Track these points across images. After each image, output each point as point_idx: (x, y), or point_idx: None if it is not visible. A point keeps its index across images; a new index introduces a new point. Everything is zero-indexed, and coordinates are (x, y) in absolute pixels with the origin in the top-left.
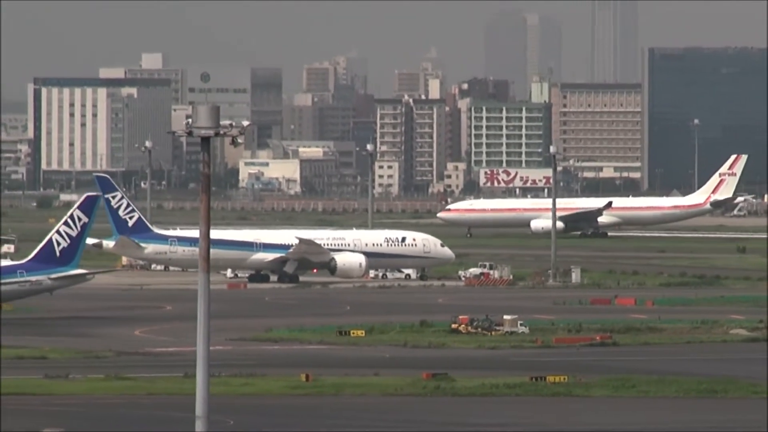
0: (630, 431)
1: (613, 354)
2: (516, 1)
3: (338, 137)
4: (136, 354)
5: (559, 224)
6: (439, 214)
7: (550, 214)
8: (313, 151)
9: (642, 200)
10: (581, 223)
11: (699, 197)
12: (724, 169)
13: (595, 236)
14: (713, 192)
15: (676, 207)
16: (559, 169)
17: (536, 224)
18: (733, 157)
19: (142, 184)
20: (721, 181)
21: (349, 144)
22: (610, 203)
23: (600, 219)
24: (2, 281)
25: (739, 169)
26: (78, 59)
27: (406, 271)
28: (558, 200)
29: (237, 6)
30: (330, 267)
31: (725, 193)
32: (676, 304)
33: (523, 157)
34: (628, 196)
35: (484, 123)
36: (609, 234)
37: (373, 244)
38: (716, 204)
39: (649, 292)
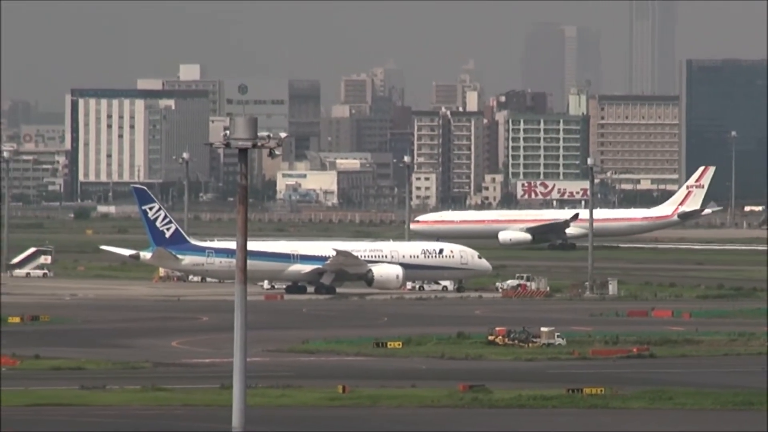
0: None
1: (650, 366)
2: (554, 13)
3: (376, 149)
4: (173, 365)
5: (527, 236)
6: (412, 226)
7: (517, 225)
8: (351, 162)
9: (610, 212)
10: (549, 234)
11: (667, 209)
12: (691, 181)
13: (563, 248)
14: (681, 204)
15: (644, 219)
16: (596, 181)
17: (504, 236)
18: (701, 169)
19: (192, 196)
20: (688, 193)
21: (386, 156)
22: (576, 215)
23: (568, 230)
24: None
25: (706, 181)
26: (116, 70)
27: (443, 282)
28: (526, 212)
29: (275, 18)
30: (367, 278)
31: (693, 204)
32: (713, 317)
33: (561, 170)
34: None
35: (521, 135)
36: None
37: (411, 256)
38: (684, 216)
39: (686, 304)
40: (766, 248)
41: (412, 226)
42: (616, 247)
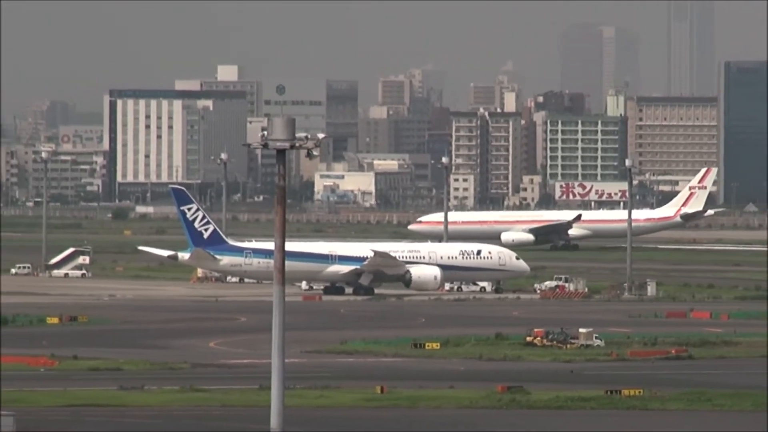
0: None
1: (688, 367)
2: (592, 14)
3: (413, 150)
4: (211, 366)
5: (530, 236)
6: (410, 227)
7: (520, 226)
8: (389, 163)
9: (612, 213)
10: (552, 235)
11: (669, 210)
12: (694, 182)
13: (565, 248)
14: (683, 205)
15: (647, 220)
16: (634, 182)
17: (506, 236)
18: (704, 170)
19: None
20: (691, 194)
21: (424, 157)
22: (579, 216)
23: (570, 231)
24: None
25: (709, 182)
26: (154, 71)
27: (482, 283)
28: (528, 213)
29: (313, 18)
30: (405, 279)
31: (695, 206)
32: (752, 318)
33: (599, 171)
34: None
35: (559, 136)
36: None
37: (449, 257)
38: (686, 217)
39: (724, 305)
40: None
41: (413, 226)
42: (654, 249)
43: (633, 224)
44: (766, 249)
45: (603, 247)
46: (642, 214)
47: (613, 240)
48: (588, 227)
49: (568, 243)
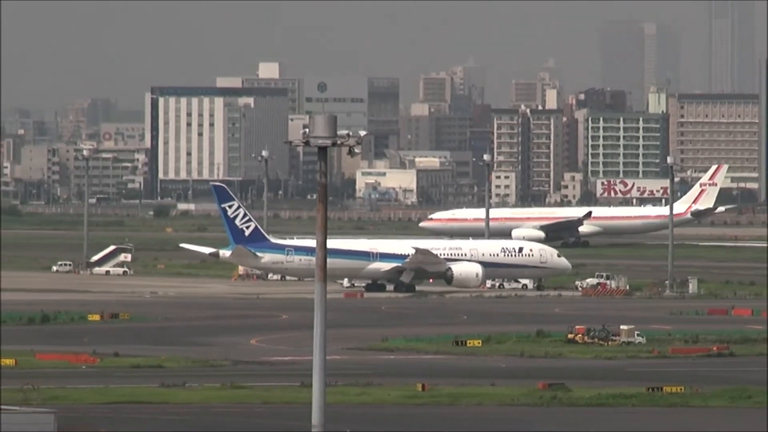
0: None
1: (729, 365)
2: (633, 11)
3: (455, 147)
4: (252, 363)
5: (540, 233)
6: (421, 224)
7: (530, 223)
8: (430, 161)
9: (623, 210)
10: (562, 232)
11: (680, 207)
12: (705, 179)
13: (576, 245)
14: (694, 202)
15: (657, 216)
16: (676, 179)
17: (517, 233)
18: (714, 167)
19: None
20: (701, 191)
21: (465, 154)
22: (589, 213)
23: (581, 228)
24: None
25: (720, 179)
26: (195, 69)
27: (523, 281)
28: (539, 209)
29: (354, 16)
30: (446, 277)
31: (706, 203)
32: None
33: (640, 168)
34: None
35: (601, 133)
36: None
37: (490, 254)
38: (697, 214)
39: (766, 302)
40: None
41: (424, 224)
42: (695, 246)
43: (643, 221)
44: None
45: (613, 244)
46: (653, 211)
47: (624, 237)
48: (599, 224)
49: (579, 240)
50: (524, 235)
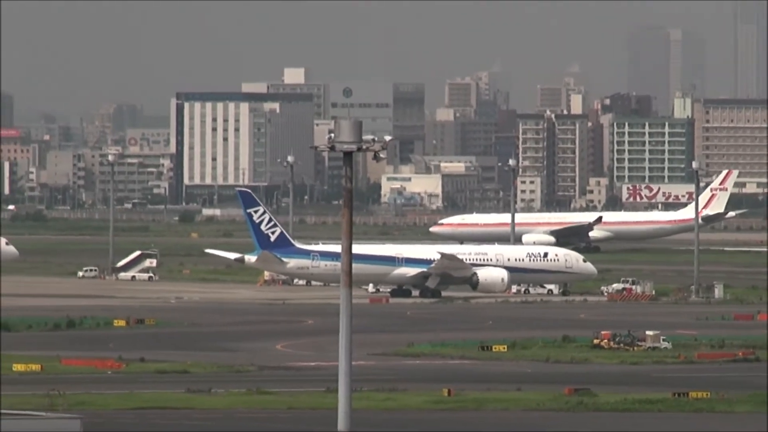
0: None
1: (756, 370)
2: (659, 15)
3: (480, 152)
4: (278, 368)
5: (550, 238)
6: (431, 229)
7: (541, 228)
8: (456, 166)
9: (633, 215)
10: (572, 237)
11: (690, 212)
12: (715, 184)
13: (587, 251)
14: (705, 207)
15: (668, 222)
16: (701, 184)
17: (527, 239)
18: (725, 172)
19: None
20: (712, 196)
21: (491, 159)
22: (600, 218)
23: (592, 233)
24: None
25: (730, 184)
26: (220, 74)
27: (548, 286)
28: (549, 215)
29: (379, 21)
30: (472, 282)
31: (716, 208)
32: None
33: (666, 173)
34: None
35: (626, 138)
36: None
37: (516, 259)
38: (708, 219)
39: None
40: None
41: (434, 228)
42: (721, 251)
43: (653, 226)
44: None
45: (623, 249)
46: (663, 216)
47: (634, 242)
48: (609, 229)
49: (590, 245)
50: (534, 240)
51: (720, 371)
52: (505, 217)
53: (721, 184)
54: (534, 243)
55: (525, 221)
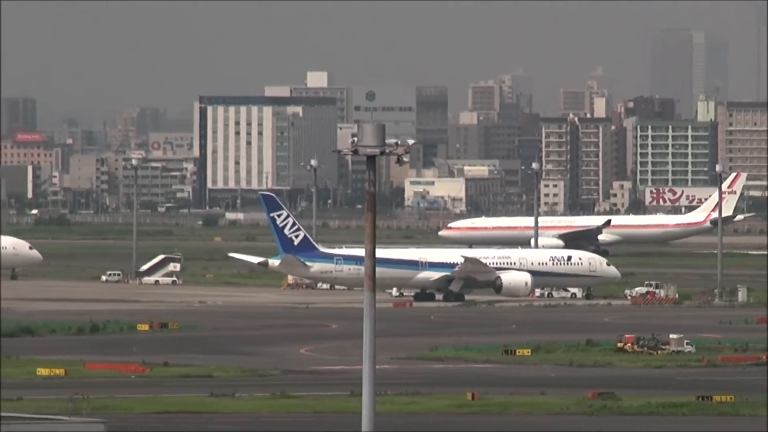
0: None
1: None
2: (682, 18)
3: (504, 156)
4: (302, 372)
5: (559, 242)
6: (440, 233)
7: (550, 232)
8: (479, 169)
9: (642, 218)
10: (581, 241)
11: (699, 215)
12: (724, 187)
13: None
14: (713, 210)
15: (676, 225)
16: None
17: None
18: (733, 175)
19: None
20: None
21: (514, 162)
22: (608, 222)
23: (600, 237)
24: None
25: (739, 187)
26: (243, 78)
27: (572, 289)
28: (557, 218)
29: (402, 24)
30: (495, 286)
31: (725, 211)
32: None
33: (689, 176)
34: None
35: (649, 141)
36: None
37: (539, 263)
38: (716, 222)
39: None
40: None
41: (443, 232)
42: (744, 254)
43: (661, 229)
44: None
45: (630, 252)
46: (672, 220)
47: (643, 245)
48: (618, 233)
49: (598, 249)
50: (543, 243)
51: (744, 374)
52: (515, 221)
53: (729, 187)
54: (542, 247)
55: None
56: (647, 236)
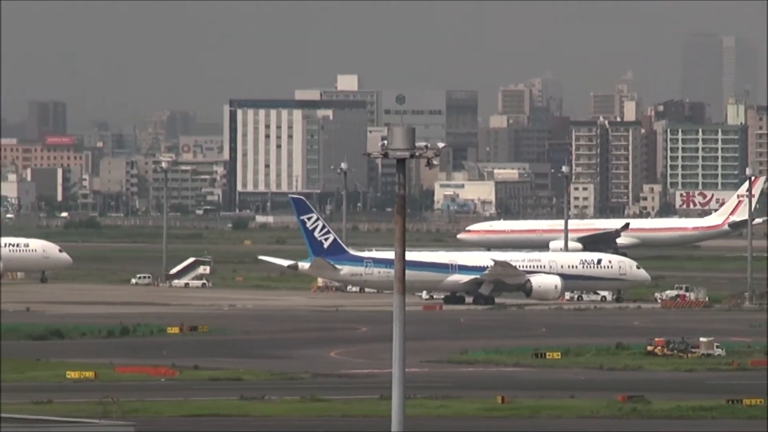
0: None
1: None
2: (711, 23)
3: (533, 159)
4: (331, 376)
5: (578, 245)
6: (459, 236)
7: (570, 235)
8: (509, 172)
9: (660, 221)
10: (600, 244)
11: (717, 218)
12: (742, 190)
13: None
14: (731, 213)
15: (695, 228)
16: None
17: (555, 245)
18: (752, 178)
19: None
20: (739, 203)
21: (544, 166)
22: (627, 225)
23: (618, 240)
24: None
25: (757, 190)
26: (273, 81)
27: (602, 293)
28: (576, 221)
29: (432, 28)
30: (525, 289)
31: (743, 214)
32: None
33: (719, 180)
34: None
35: (679, 145)
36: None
37: (569, 266)
38: (734, 225)
39: None
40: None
41: (462, 235)
42: None
43: (680, 233)
44: None
45: (658, 256)
46: (690, 223)
47: (661, 249)
48: (636, 236)
49: (616, 252)
50: (561, 246)
51: None
52: (533, 224)
53: (747, 190)
54: (561, 250)
55: (552, 228)
56: (665, 239)
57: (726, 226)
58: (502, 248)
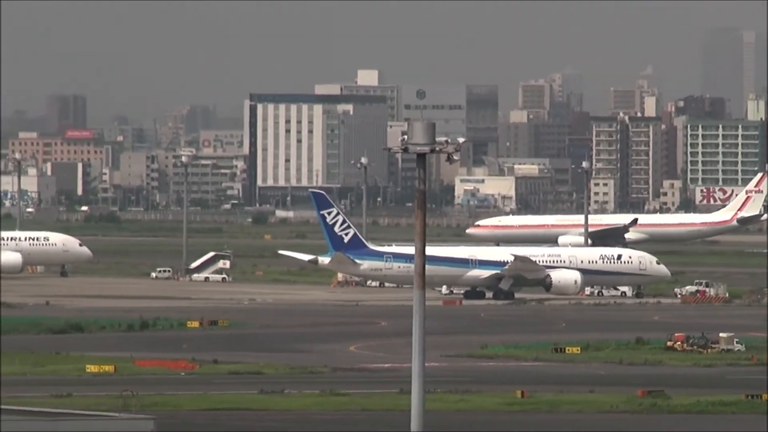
0: None
1: None
2: (732, 18)
3: (554, 154)
4: (351, 370)
5: (582, 240)
6: (468, 230)
7: (577, 230)
8: (529, 168)
9: (669, 217)
10: (608, 239)
11: (726, 214)
12: (751, 186)
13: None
14: (740, 209)
15: (703, 224)
16: None
17: (563, 240)
18: (760, 174)
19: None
20: (747, 198)
21: (564, 161)
22: (635, 220)
23: (627, 235)
24: None
25: (765, 186)
26: (294, 76)
27: (622, 288)
28: (581, 217)
29: (453, 24)
30: (545, 284)
31: (752, 210)
32: None
33: (740, 175)
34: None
35: (700, 141)
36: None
37: (589, 261)
38: (743, 221)
39: None
40: None
41: (471, 230)
42: None
43: (689, 228)
44: None
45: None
46: (699, 218)
47: (669, 244)
48: (645, 231)
49: (625, 247)
50: (570, 242)
51: None
52: (542, 219)
53: (756, 186)
54: (570, 245)
55: (561, 223)
56: (674, 235)
57: (735, 222)
58: (511, 243)
